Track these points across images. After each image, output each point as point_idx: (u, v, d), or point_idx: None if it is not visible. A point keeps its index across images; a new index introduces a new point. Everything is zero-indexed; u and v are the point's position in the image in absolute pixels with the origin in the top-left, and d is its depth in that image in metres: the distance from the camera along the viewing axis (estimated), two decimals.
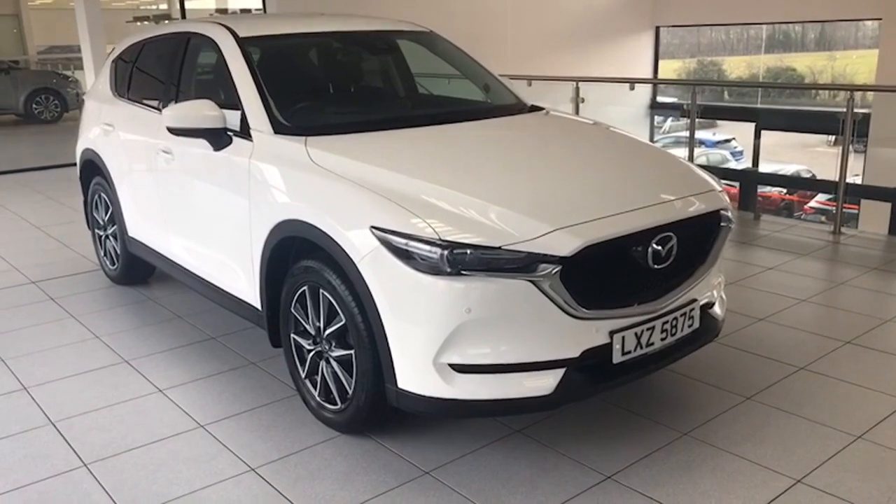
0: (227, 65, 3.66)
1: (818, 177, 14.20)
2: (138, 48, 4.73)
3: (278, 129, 3.36)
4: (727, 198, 3.28)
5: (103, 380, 3.71)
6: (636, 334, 2.85)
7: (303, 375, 3.27)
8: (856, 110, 6.05)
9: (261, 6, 10.81)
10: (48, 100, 14.98)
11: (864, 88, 8.10)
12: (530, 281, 2.62)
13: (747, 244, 5.89)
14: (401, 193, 2.80)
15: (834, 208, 6.31)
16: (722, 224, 3.19)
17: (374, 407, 2.94)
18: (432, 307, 2.65)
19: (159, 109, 4.12)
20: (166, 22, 14.16)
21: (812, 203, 15.88)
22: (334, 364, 3.07)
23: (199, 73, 4.15)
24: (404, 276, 2.68)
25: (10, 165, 9.75)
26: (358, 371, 2.93)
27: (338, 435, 3.14)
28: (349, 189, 2.90)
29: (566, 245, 2.63)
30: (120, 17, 18.17)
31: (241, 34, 3.78)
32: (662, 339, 2.95)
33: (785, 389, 3.46)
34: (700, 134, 22.44)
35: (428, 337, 2.68)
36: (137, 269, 4.91)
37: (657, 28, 15.57)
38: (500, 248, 2.60)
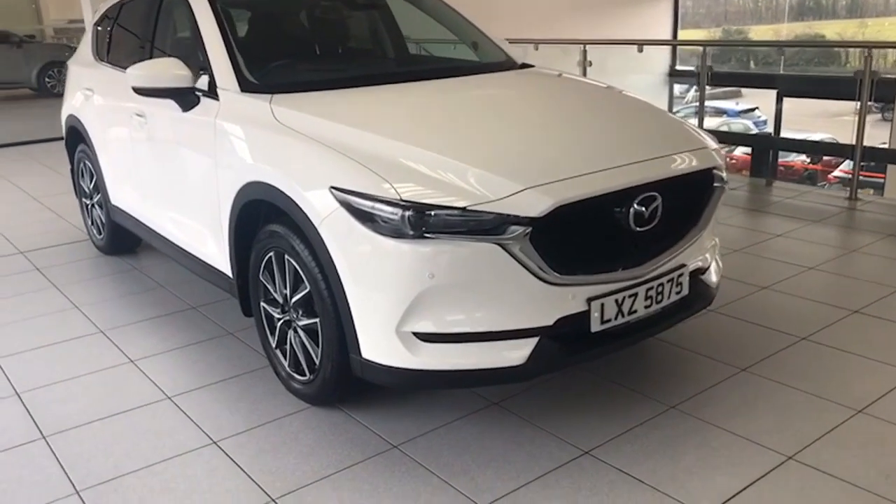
0: (195, 21, 3.49)
1: None
2: (117, 9, 4.58)
3: (246, 87, 3.20)
4: (721, 156, 3.06)
5: (76, 350, 3.61)
6: (617, 301, 2.66)
7: (273, 345, 3.14)
8: (885, 76, 5.75)
9: None
10: (60, 73, 14.93)
11: (883, 45, 7.71)
12: (499, 244, 2.44)
13: (757, 211, 5.64)
14: (364, 152, 2.62)
15: (859, 176, 6.02)
16: (715, 184, 2.98)
17: (340, 378, 2.79)
18: (393, 272, 2.49)
19: None
20: None
21: (836, 172, 15.44)
22: (301, 333, 2.92)
23: (174, 32, 3.98)
24: (365, 240, 2.51)
25: (19, 138, 9.72)
26: (324, 341, 2.79)
27: (307, 407, 3.00)
28: (310, 148, 2.74)
29: (536, 205, 2.45)
30: None
31: None
32: (647, 307, 2.76)
33: (783, 361, 3.26)
34: (723, 104, 21.95)
35: (390, 304, 2.52)
36: (123, 239, 4.80)
37: None
38: (465, 208, 2.43)
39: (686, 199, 2.90)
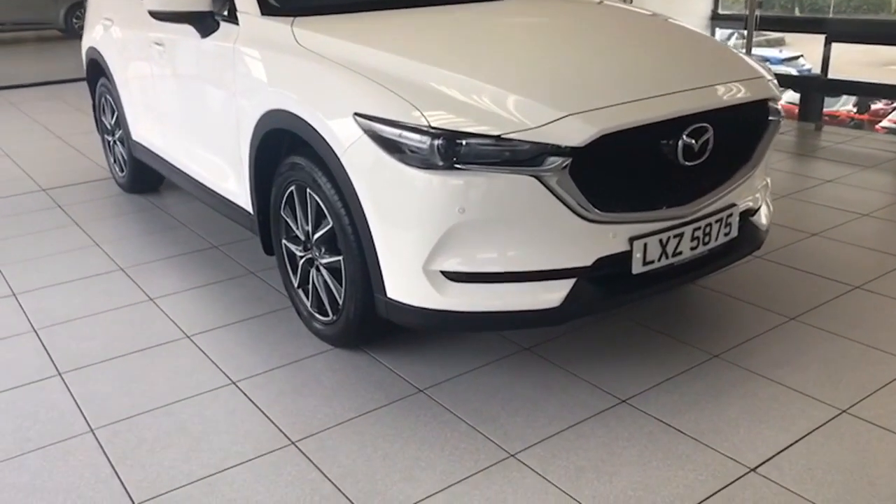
0: None
1: None
2: None
3: (266, 10, 3.00)
4: (777, 88, 2.82)
5: (95, 287, 3.51)
6: (661, 242, 2.47)
7: (295, 285, 3.00)
8: None
9: None
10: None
11: None
12: (535, 176, 2.25)
13: (806, 156, 5.36)
14: (390, 77, 2.43)
15: None
16: (769, 118, 2.74)
17: (364, 319, 2.65)
18: (421, 207, 2.31)
19: None
20: None
21: (884, 122, 14.84)
22: (324, 272, 2.78)
23: None
24: (391, 171, 2.34)
25: (46, 77, 9.64)
26: (347, 280, 2.64)
27: (330, 349, 2.88)
28: (333, 72, 2.55)
29: (578, 134, 2.24)
30: None
31: None
32: (693, 249, 2.56)
33: (835, 309, 3.05)
34: (766, 51, 21.17)
35: (417, 241, 2.35)
36: (146, 176, 4.68)
37: None
38: (499, 136, 2.23)
39: (738, 133, 2.68)
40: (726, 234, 2.66)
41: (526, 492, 2.10)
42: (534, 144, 2.23)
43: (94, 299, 3.38)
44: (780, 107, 2.78)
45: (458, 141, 2.23)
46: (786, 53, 20.69)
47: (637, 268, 2.45)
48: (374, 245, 2.46)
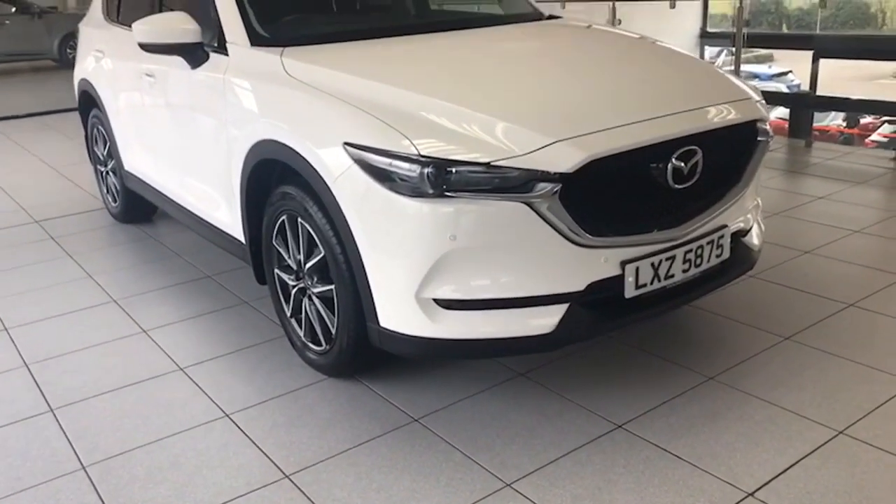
0: None
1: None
2: None
3: (256, 41, 3.02)
4: (766, 109, 2.83)
5: (88, 320, 3.49)
6: (653, 265, 2.46)
7: (288, 314, 2.99)
8: None
9: None
10: None
11: None
12: (525, 203, 2.25)
13: (796, 172, 5.38)
14: (379, 106, 2.44)
15: None
16: (759, 138, 2.76)
17: (357, 348, 2.64)
18: (412, 235, 2.31)
19: None
20: None
21: (874, 136, 14.94)
22: (317, 301, 2.77)
23: None
24: (382, 199, 2.34)
25: (39, 108, 9.65)
26: (340, 308, 2.63)
27: (324, 379, 2.86)
28: (322, 102, 2.56)
29: (567, 160, 2.25)
30: None
31: None
32: (685, 271, 2.56)
33: (829, 328, 3.05)
34: (755, 68, 21.33)
35: (408, 269, 2.34)
36: (138, 206, 4.67)
37: None
38: (488, 164, 2.24)
39: (728, 155, 2.69)
40: (718, 256, 2.66)
41: None
42: (523, 171, 2.24)
43: (87, 332, 3.36)
44: (768, 127, 2.79)
45: (448, 169, 2.23)
46: (775, 69, 20.86)
47: (630, 292, 2.45)
48: (365, 274, 2.45)
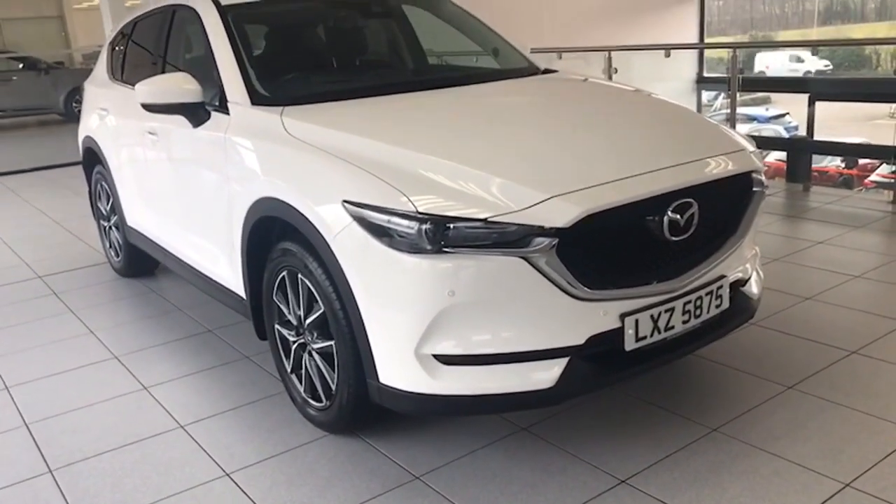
0: (206, 35, 3.38)
1: None
2: (131, 27, 4.50)
3: (257, 100, 3.07)
4: (760, 159, 2.86)
5: (89, 377, 3.49)
6: (652, 317, 2.47)
7: (288, 370, 2.99)
8: None
9: None
10: None
11: None
12: (523, 258, 2.27)
13: (795, 217, 5.40)
14: (377, 163, 2.47)
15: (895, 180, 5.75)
16: (754, 189, 2.78)
17: (358, 405, 2.63)
18: (411, 291, 2.32)
19: None
20: None
21: (872, 177, 15.01)
22: (317, 357, 2.77)
23: (186, 47, 3.88)
24: (381, 256, 2.35)
25: (45, 162, 9.77)
26: (339, 365, 2.63)
27: (324, 435, 2.84)
28: (320, 160, 2.59)
29: (563, 215, 2.27)
30: None
31: (224, 2, 3.50)
32: (685, 322, 2.56)
33: (832, 377, 3.03)
34: (752, 110, 21.57)
35: (408, 325, 2.35)
36: (141, 261, 4.70)
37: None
38: (486, 220, 2.26)
39: (724, 206, 2.71)
40: (718, 306, 2.66)
41: None
42: (520, 226, 2.26)
43: (87, 390, 3.36)
44: (763, 178, 2.82)
45: (446, 225, 2.25)
46: (772, 111, 21.07)
47: (630, 344, 2.44)
48: (365, 330, 2.46)
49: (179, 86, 3.19)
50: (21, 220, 6.72)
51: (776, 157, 12.34)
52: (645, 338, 2.47)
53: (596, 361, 2.44)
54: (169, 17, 3.90)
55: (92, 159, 4.85)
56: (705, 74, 15.15)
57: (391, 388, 2.44)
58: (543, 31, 11.78)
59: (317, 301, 2.67)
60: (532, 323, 2.34)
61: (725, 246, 2.68)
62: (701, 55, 14.55)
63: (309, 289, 2.70)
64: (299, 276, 2.73)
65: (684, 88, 14.66)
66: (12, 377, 3.54)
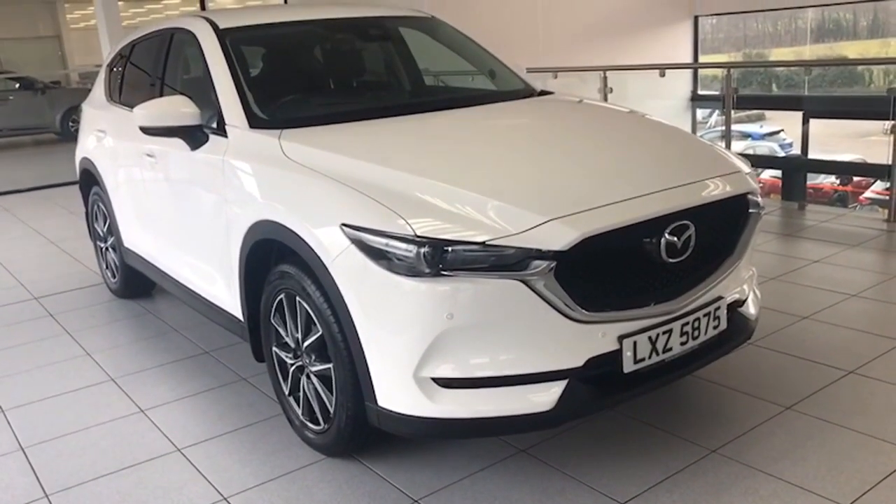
0: (204, 58, 3.40)
1: None
2: (129, 49, 4.53)
3: (255, 123, 3.09)
4: (756, 181, 2.88)
5: (85, 400, 3.47)
6: (650, 339, 2.47)
7: (286, 392, 2.98)
8: None
9: None
10: None
11: None
12: (521, 280, 2.27)
13: (791, 236, 5.42)
14: (376, 187, 2.48)
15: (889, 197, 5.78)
16: (750, 210, 2.79)
17: (356, 428, 2.62)
18: (410, 314, 2.33)
19: None
20: None
21: (867, 193, 15.08)
22: (315, 380, 2.76)
23: (185, 70, 3.91)
24: (379, 279, 2.36)
25: (42, 182, 9.76)
26: (337, 388, 2.62)
27: (322, 458, 2.83)
28: (319, 184, 2.60)
29: (561, 238, 2.28)
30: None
31: (222, 25, 3.52)
32: (682, 344, 2.56)
33: (830, 397, 3.03)
34: (746, 127, 21.70)
35: (406, 348, 2.35)
36: (138, 282, 4.69)
37: (696, 18, 15.00)
38: (484, 243, 2.26)
39: (720, 228, 2.72)
40: (715, 328, 2.67)
41: None
42: (518, 249, 2.26)
43: (84, 413, 3.34)
44: (759, 199, 2.83)
45: (444, 248, 2.26)
46: (766, 128, 21.19)
47: (628, 366, 2.45)
48: (363, 353, 2.46)
49: (177, 109, 3.20)
50: (17, 241, 6.71)
51: (771, 174, 12.42)
52: (643, 360, 2.47)
53: (594, 384, 2.44)
54: (167, 39, 3.92)
55: (89, 180, 4.85)
56: (700, 92, 15.27)
57: (389, 411, 2.43)
58: (539, 50, 11.88)
59: (315, 324, 2.67)
60: (530, 345, 2.35)
61: (723, 267, 2.69)
62: (695, 73, 14.66)
63: (307, 311, 2.70)
64: (297, 298, 2.73)
65: (679, 106, 14.78)
66: (8, 400, 3.52)
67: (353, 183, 2.52)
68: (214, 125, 3.20)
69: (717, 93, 14.87)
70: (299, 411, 2.91)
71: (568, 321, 2.34)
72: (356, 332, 2.45)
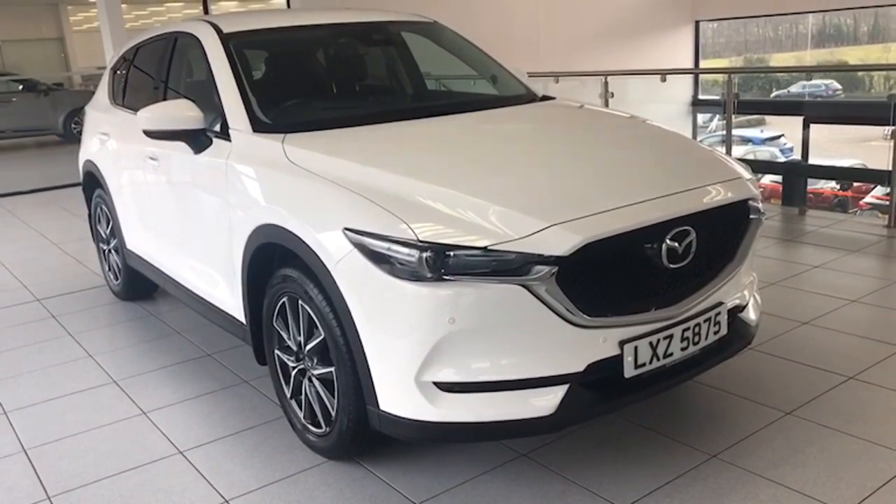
0: (208, 62, 3.42)
1: None
2: (132, 53, 4.54)
3: (258, 127, 3.10)
4: (756, 187, 2.89)
5: (87, 402, 3.49)
6: (651, 344, 2.48)
7: (288, 395, 2.99)
8: None
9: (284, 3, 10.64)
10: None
11: None
12: (523, 286, 2.29)
13: (791, 241, 5.43)
14: (379, 191, 2.49)
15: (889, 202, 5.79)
16: (751, 216, 2.81)
17: (357, 431, 2.63)
18: (412, 318, 2.34)
19: None
20: None
21: (867, 199, 15.08)
22: (316, 383, 2.77)
23: (188, 74, 3.92)
24: (381, 283, 2.37)
25: (44, 184, 9.78)
26: (339, 391, 2.64)
27: (324, 462, 2.84)
28: (322, 188, 2.62)
29: (562, 243, 2.29)
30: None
31: (225, 30, 3.54)
32: (683, 349, 2.57)
33: (831, 402, 3.04)
34: (747, 132, 21.73)
35: (408, 352, 2.36)
36: (140, 284, 4.70)
37: (697, 23, 15.03)
38: (486, 248, 2.28)
39: (721, 233, 2.73)
40: (716, 333, 2.68)
41: None
42: (520, 255, 2.28)
43: (86, 415, 3.35)
44: (760, 205, 2.85)
45: (446, 253, 2.27)
46: (767, 133, 21.21)
47: (629, 371, 2.46)
48: (365, 357, 2.47)
49: (181, 113, 3.22)
50: (19, 243, 6.73)
51: (771, 178, 12.43)
52: (644, 364, 2.48)
53: (595, 388, 2.45)
54: (171, 43, 3.94)
55: (92, 183, 4.87)
56: (700, 97, 15.31)
57: (391, 414, 2.44)
58: (540, 55, 11.91)
59: (317, 327, 2.68)
60: (532, 350, 2.36)
61: (723, 273, 2.70)
62: (696, 78, 14.68)
63: (309, 315, 2.71)
64: (300, 302, 2.74)
65: (680, 111, 14.81)
66: (10, 402, 3.53)
67: (356, 187, 2.53)
68: (218, 129, 3.21)
69: (717, 97, 14.90)
70: (301, 414, 2.92)
71: (569, 326, 2.35)
72: (358, 335, 2.46)
